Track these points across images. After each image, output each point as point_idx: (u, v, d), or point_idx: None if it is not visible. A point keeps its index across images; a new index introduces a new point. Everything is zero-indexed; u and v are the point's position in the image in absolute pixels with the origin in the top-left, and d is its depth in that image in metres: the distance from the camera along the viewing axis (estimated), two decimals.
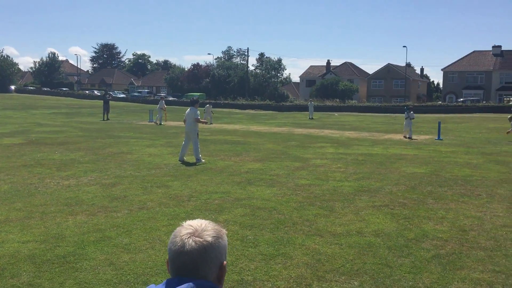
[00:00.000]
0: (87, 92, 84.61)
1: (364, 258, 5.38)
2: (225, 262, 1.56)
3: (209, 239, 1.52)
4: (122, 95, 79.22)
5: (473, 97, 64.09)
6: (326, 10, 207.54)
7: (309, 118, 38.20)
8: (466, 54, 73.57)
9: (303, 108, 54.99)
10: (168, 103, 63.54)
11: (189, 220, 1.59)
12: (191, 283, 1.47)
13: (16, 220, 6.81)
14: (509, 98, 36.07)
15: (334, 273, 4.94)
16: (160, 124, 28.64)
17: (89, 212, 7.29)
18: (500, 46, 70.89)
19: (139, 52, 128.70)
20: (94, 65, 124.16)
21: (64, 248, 5.59)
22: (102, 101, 33.63)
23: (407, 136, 21.04)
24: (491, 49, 71.61)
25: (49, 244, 5.73)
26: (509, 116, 20.45)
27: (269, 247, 5.71)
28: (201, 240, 1.50)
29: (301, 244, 5.86)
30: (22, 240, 5.90)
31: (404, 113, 22.27)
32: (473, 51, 73.39)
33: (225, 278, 4.65)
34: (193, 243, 1.49)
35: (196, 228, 1.53)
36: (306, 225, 6.69)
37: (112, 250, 5.54)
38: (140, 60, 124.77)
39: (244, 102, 60.34)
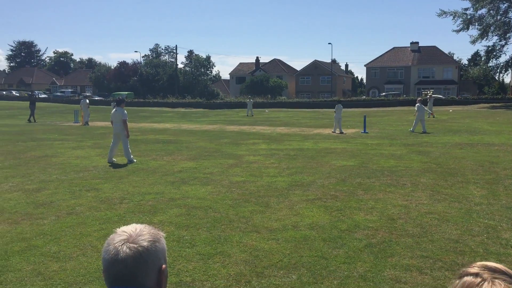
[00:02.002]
0: (4, 93, 79.63)
1: (301, 252, 5.47)
2: (164, 266, 1.49)
3: (145, 244, 1.44)
4: (43, 95, 75.32)
5: (394, 91, 67.30)
6: (253, 6, 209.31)
7: (247, 115, 38.06)
8: (386, 51, 77.07)
9: (234, 105, 55.15)
10: (95, 102, 61.35)
11: (123, 225, 1.51)
12: None
13: None
14: (427, 91, 38.29)
15: (272, 268, 4.97)
16: (86, 124, 27.56)
17: (12, 220, 6.85)
18: (417, 43, 74.90)
19: (60, 50, 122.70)
20: (11, 64, 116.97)
21: None
22: (29, 102, 31.70)
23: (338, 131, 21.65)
24: (409, 45, 75.52)
25: None
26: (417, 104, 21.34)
27: (207, 246, 5.65)
28: (135, 246, 1.42)
29: (239, 241, 5.85)
30: None
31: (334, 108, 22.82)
32: (393, 48, 77.01)
33: None
34: (127, 250, 1.41)
35: (131, 234, 1.45)
36: (242, 222, 6.70)
37: (39, 260, 5.24)
38: (62, 58, 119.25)
39: (174, 101, 59.44)
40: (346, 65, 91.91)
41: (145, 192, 8.73)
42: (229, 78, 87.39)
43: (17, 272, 4.90)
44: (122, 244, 1.42)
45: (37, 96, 34.02)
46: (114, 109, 12.75)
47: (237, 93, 73.97)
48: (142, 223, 1.54)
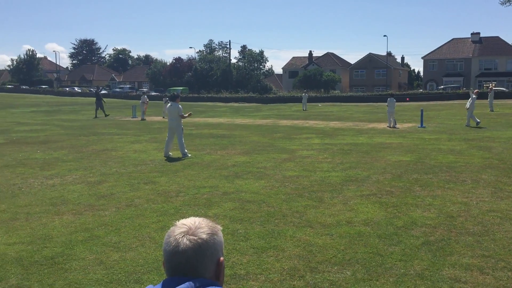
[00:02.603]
0: (67, 89, 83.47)
1: (355, 248, 5.40)
2: (222, 258, 1.54)
3: (204, 236, 1.49)
4: (103, 91, 78.25)
5: (453, 84, 64.81)
6: (307, 0, 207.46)
7: (303, 109, 38.06)
8: (445, 42, 74.28)
9: (287, 100, 55.04)
10: (151, 98, 63.03)
11: (180, 218, 1.56)
12: (190, 282, 1.44)
13: (0, 222, 6.68)
14: (489, 84, 36.52)
15: (326, 264, 4.95)
16: (143, 119, 28.40)
17: (76, 211, 7.19)
18: (478, 33, 71.70)
19: (119, 47, 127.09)
20: (74, 62, 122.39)
21: (52, 249, 5.50)
22: (95, 98, 32.49)
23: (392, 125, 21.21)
24: (470, 36, 72.40)
25: (36, 246, 5.63)
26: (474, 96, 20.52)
27: (260, 240, 5.69)
28: (195, 238, 1.48)
29: (292, 236, 5.86)
30: (8, 242, 5.79)
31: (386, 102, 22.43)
32: (452, 39, 74.13)
33: None
34: (188, 242, 1.47)
35: (190, 227, 1.51)
36: (296, 216, 6.69)
37: (101, 249, 5.47)
38: (120, 55, 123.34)
39: (227, 95, 60.12)
40: (402, 58, 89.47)
41: (200, 185, 8.90)
42: (282, 73, 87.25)
43: (81, 260, 5.14)
44: (182, 236, 1.47)
45: (101, 91, 34.81)
46: (169, 104, 13.04)
47: (289, 87, 73.76)
48: (198, 216, 1.58)
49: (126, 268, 4.90)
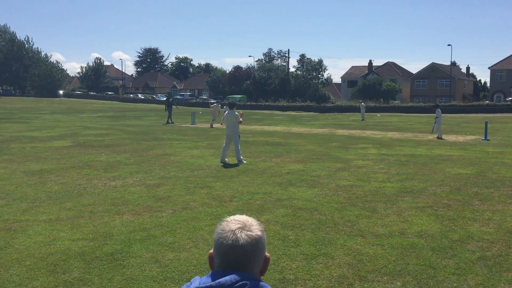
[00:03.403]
0: (131, 95, 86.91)
1: (407, 259, 5.33)
2: (268, 255, 1.63)
3: (259, 233, 1.59)
4: (164, 98, 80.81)
5: None
6: (367, 9, 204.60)
7: (361, 119, 37.59)
8: None
9: (345, 109, 54.47)
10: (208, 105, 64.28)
11: (231, 216, 1.65)
12: (235, 275, 1.54)
13: (66, 219, 7.12)
14: None
15: (376, 273, 4.92)
16: (211, 126, 28.15)
17: (135, 211, 7.54)
18: None
19: (181, 56, 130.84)
20: (138, 69, 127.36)
21: (112, 246, 5.81)
22: (165, 104, 33.35)
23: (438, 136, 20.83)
24: None
25: (98, 242, 5.97)
26: None
27: (311, 247, 5.74)
28: (252, 234, 1.57)
29: (343, 244, 5.86)
30: (72, 238, 6.17)
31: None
32: None
33: (268, 277, 4.72)
34: (246, 237, 1.55)
35: (245, 223, 1.60)
36: (347, 225, 6.68)
37: (157, 249, 5.72)
38: (182, 64, 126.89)
39: (285, 104, 60.36)
40: (468, 68, 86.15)
41: (253, 191, 9.05)
42: (340, 82, 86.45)
43: (138, 258, 5.41)
44: (240, 231, 1.56)
45: (172, 99, 35.73)
46: (227, 112, 13.37)
47: (348, 96, 72.94)
48: None
49: (180, 268, 5.10)
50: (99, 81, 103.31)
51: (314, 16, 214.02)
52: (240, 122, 13.13)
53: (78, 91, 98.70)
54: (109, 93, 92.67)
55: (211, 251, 1.64)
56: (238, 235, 1.55)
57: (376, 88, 66.82)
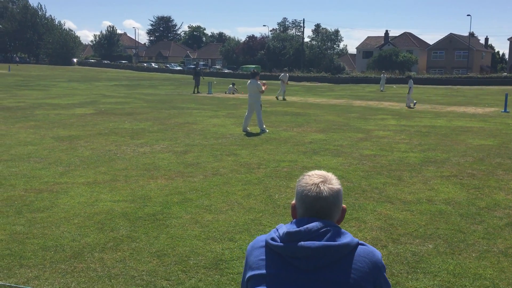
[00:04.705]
0: (145, 64, 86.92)
1: (437, 224, 5.54)
2: (345, 206, 1.84)
3: (338, 186, 1.79)
4: (178, 68, 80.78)
5: None
6: None
7: (381, 90, 37.55)
8: None
9: (360, 80, 54.09)
10: (224, 75, 64.15)
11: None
12: (319, 222, 1.74)
13: (103, 182, 7.42)
14: None
15: (408, 237, 5.14)
16: (284, 99, 26.52)
17: (168, 176, 7.80)
18: None
19: (194, 25, 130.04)
20: (151, 38, 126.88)
21: (152, 208, 6.10)
22: (193, 74, 33.10)
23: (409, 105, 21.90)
24: None
25: (138, 204, 6.26)
26: None
27: None
28: (333, 187, 1.76)
29: (373, 210, 6.08)
30: (113, 199, 6.47)
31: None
32: None
33: None
34: (329, 190, 1.74)
35: (326, 177, 1.79)
36: (375, 192, 6.89)
37: (195, 211, 5.99)
38: (195, 33, 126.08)
39: (299, 75, 60.00)
40: (486, 39, 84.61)
41: (279, 159, 9.26)
42: (355, 53, 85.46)
43: (178, 219, 5.69)
44: (323, 185, 1.75)
45: (200, 69, 35.52)
46: (249, 81, 13.50)
47: (363, 67, 72.22)
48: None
49: (219, 228, 5.37)
50: (113, 49, 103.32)
51: None
52: (262, 91, 13.27)
53: (91, 59, 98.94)
54: (123, 61, 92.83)
55: (293, 202, 1.85)
56: (322, 188, 1.74)
57: (392, 59, 66.06)
